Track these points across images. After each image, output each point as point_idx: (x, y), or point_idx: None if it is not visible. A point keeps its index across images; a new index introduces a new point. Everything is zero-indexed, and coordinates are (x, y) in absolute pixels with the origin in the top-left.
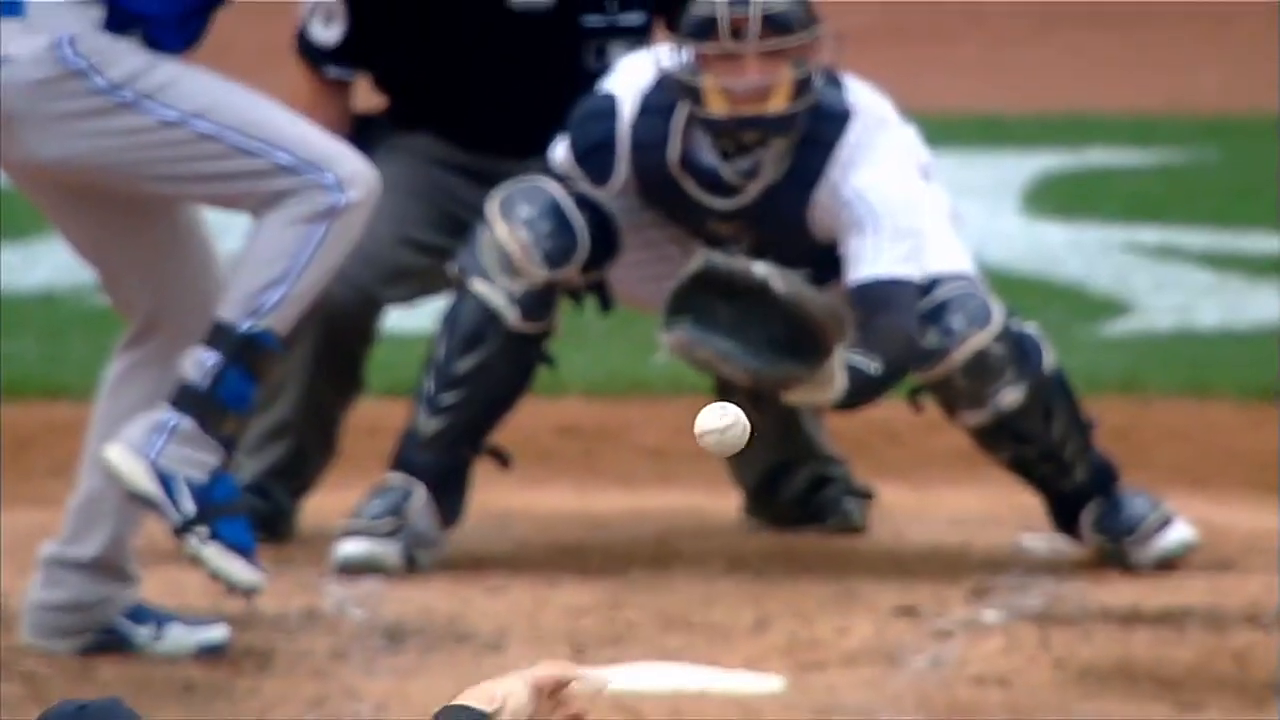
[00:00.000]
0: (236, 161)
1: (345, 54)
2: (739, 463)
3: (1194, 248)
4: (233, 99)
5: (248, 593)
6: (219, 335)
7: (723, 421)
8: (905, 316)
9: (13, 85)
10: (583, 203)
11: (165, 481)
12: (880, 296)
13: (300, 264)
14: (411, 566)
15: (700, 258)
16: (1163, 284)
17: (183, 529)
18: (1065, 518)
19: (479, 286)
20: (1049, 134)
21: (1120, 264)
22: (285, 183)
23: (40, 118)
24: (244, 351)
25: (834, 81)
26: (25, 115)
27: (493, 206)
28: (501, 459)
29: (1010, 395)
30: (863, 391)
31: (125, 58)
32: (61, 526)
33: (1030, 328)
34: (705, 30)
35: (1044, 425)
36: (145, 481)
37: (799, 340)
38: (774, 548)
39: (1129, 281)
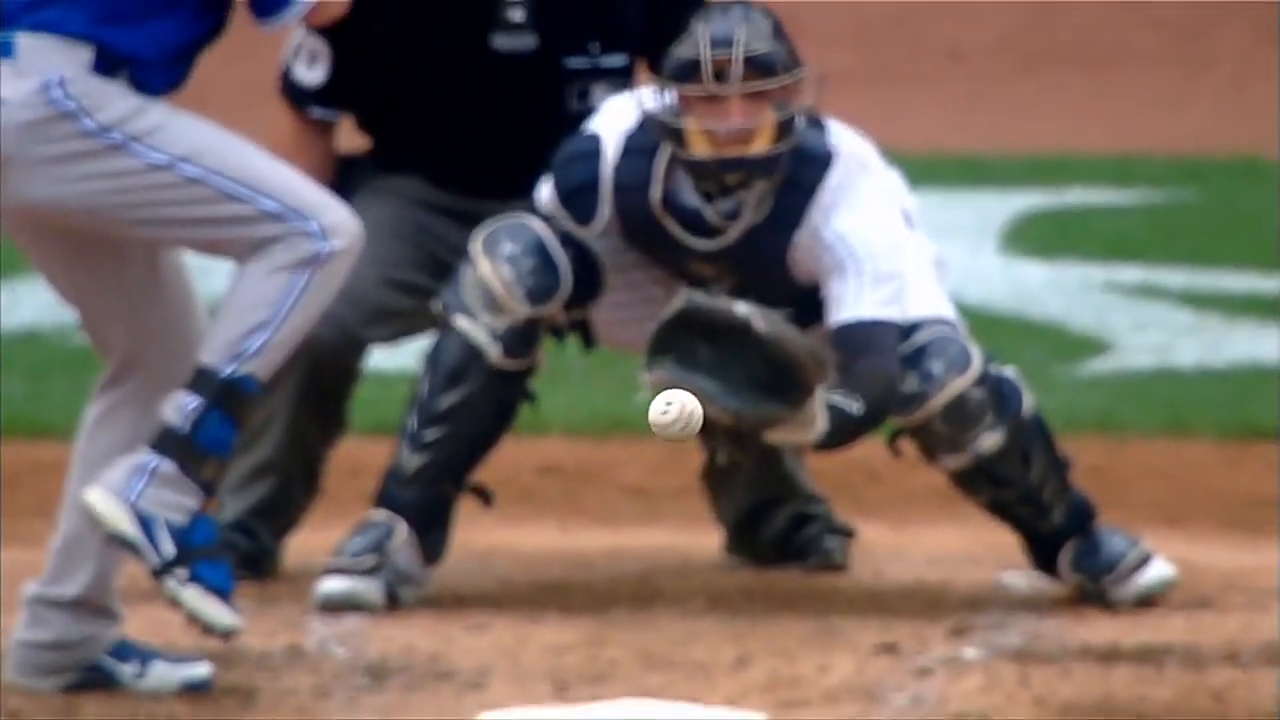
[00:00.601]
0: (223, 207)
1: (329, 95)
2: (720, 501)
3: (1173, 287)
4: (221, 144)
5: (226, 635)
6: (200, 379)
7: (669, 418)
8: (887, 358)
9: (4, 128)
10: (567, 241)
11: (145, 523)
12: (862, 338)
13: (283, 310)
14: (394, 603)
15: (681, 298)
16: (1142, 323)
17: (162, 571)
18: (1044, 557)
19: (461, 323)
20: (1028, 174)
21: (1099, 303)
22: (271, 229)
23: (30, 160)
24: (225, 396)
25: (817, 124)
26: (15, 157)
27: (476, 243)
28: (484, 497)
29: (989, 440)
30: (843, 432)
31: (115, 100)
32: (44, 566)
33: (1009, 371)
34: (688, 73)
35: (1023, 468)
36: (125, 524)
37: (780, 380)
38: (755, 586)
39: (1108, 321)
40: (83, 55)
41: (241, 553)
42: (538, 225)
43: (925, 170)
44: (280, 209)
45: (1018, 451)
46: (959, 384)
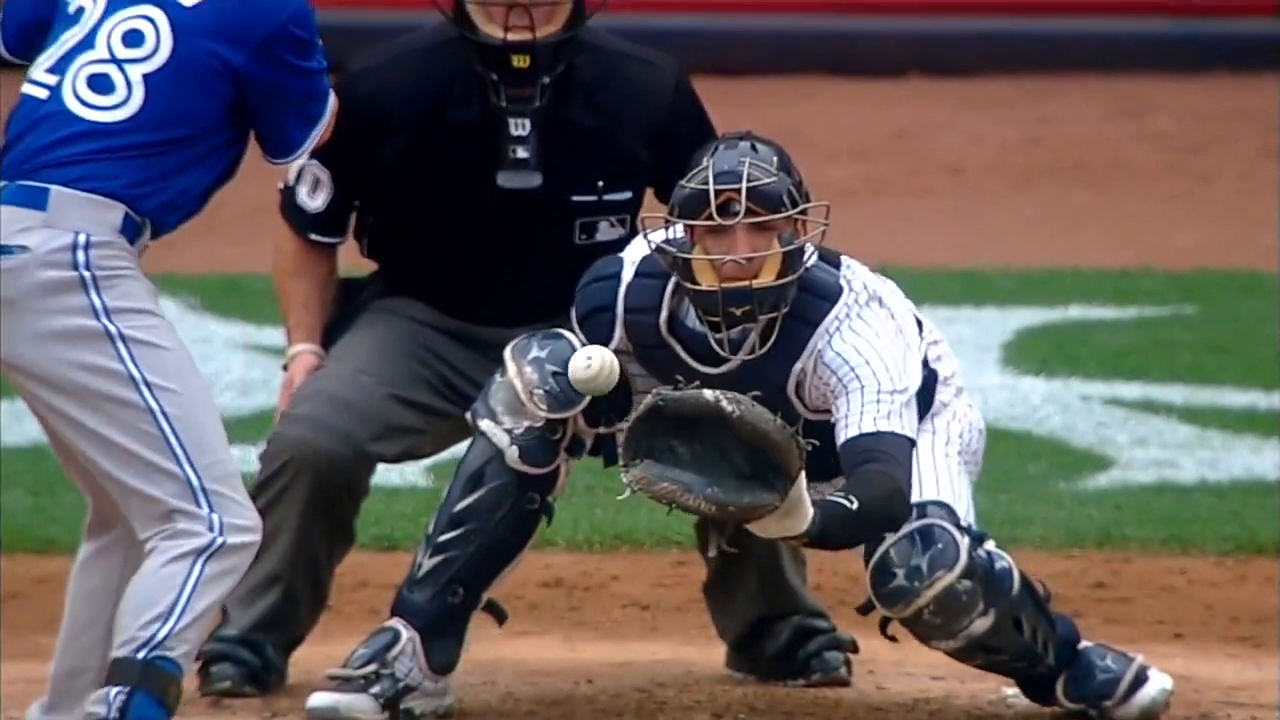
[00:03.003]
0: (154, 451)
1: (330, 222)
2: (723, 615)
3: (1174, 403)
4: (191, 398)
5: None
6: (117, 669)
7: (589, 372)
8: (889, 464)
9: (19, 274)
10: None
11: None
12: (864, 449)
13: (181, 601)
14: (397, 714)
15: (651, 397)
16: (1143, 439)
17: None
18: (1040, 692)
19: (484, 425)
20: (1029, 289)
21: (1101, 419)
22: (176, 501)
23: (25, 315)
24: (145, 677)
25: (832, 262)
26: (16, 306)
27: (509, 347)
28: (498, 615)
29: (981, 625)
30: (837, 526)
31: (128, 286)
32: (47, 685)
33: (993, 548)
34: (694, 206)
35: (1016, 634)
36: None
37: (762, 472)
38: (759, 699)
39: (1110, 437)
40: (113, 217)
41: (247, 668)
42: (570, 336)
43: (926, 285)
44: (197, 486)
45: (1009, 622)
46: (946, 580)
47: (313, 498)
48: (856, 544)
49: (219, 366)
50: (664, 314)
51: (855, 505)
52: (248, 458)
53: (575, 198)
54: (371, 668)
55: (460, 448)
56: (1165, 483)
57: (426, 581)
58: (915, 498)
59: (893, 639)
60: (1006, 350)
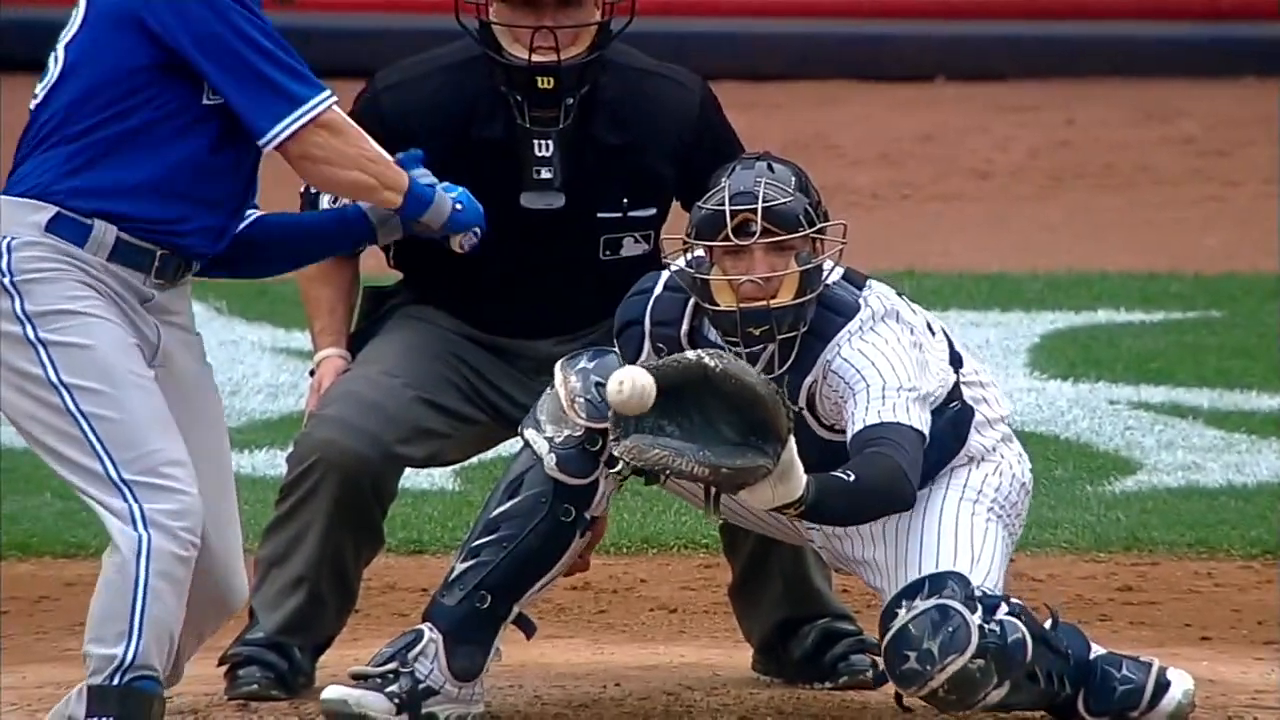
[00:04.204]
0: (79, 454)
1: None
2: (748, 618)
3: (1200, 406)
4: (120, 395)
5: None
6: (96, 699)
7: (620, 396)
8: (893, 449)
9: None
10: None
11: None
12: (870, 438)
13: (137, 613)
14: (415, 715)
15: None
16: (1169, 442)
17: None
18: (1064, 714)
19: (528, 434)
20: (1056, 293)
21: (1127, 422)
22: (102, 495)
23: None
24: (126, 703)
25: (855, 283)
26: None
27: (560, 359)
28: (526, 627)
29: (997, 695)
30: (832, 495)
31: (51, 288)
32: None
33: (1006, 613)
34: (711, 227)
35: (1032, 686)
36: None
37: (752, 441)
38: (785, 703)
39: (1136, 440)
40: (39, 216)
41: (274, 671)
42: (619, 352)
43: (953, 289)
44: (116, 479)
45: (1025, 681)
46: (958, 664)
47: (340, 499)
48: (856, 520)
49: (247, 370)
50: (685, 326)
51: (853, 478)
52: (275, 461)
53: (600, 214)
54: (391, 666)
55: (491, 454)
56: (1192, 486)
57: (456, 585)
58: (931, 565)
59: (907, 710)
60: (1033, 354)
